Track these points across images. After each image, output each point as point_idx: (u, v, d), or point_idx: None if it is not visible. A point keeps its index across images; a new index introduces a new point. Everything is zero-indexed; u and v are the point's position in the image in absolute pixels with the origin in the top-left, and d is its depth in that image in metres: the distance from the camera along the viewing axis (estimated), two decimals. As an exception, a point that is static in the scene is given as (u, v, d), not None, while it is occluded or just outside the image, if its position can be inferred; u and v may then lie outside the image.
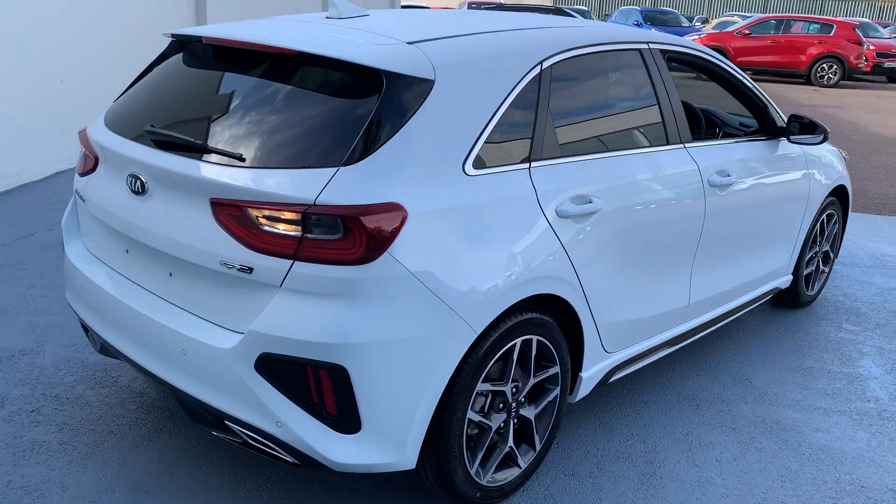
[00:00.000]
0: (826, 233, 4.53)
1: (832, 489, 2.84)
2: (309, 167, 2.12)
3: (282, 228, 2.09)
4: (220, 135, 2.30)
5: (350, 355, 2.07)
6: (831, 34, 18.74)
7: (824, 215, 4.37)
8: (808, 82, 18.87)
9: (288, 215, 2.08)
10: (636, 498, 2.71)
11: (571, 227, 2.57)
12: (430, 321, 2.17)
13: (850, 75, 18.83)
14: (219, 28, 2.66)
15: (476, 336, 2.28)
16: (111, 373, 3.33)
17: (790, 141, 3.77)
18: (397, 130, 2.19)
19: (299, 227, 2.07)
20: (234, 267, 2.14)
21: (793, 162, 3.90)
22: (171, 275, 2.37)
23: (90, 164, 2.68)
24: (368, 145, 2.14)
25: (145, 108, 2.58)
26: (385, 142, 2.16)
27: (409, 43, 2.39)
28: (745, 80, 3.72)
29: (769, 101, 3.81)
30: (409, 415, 2.21)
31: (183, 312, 2.33)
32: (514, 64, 2.55)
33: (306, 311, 2.08)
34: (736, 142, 3.58)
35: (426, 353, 2.18)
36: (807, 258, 4.36)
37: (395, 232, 2.10)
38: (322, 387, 2.11)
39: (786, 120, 3.85)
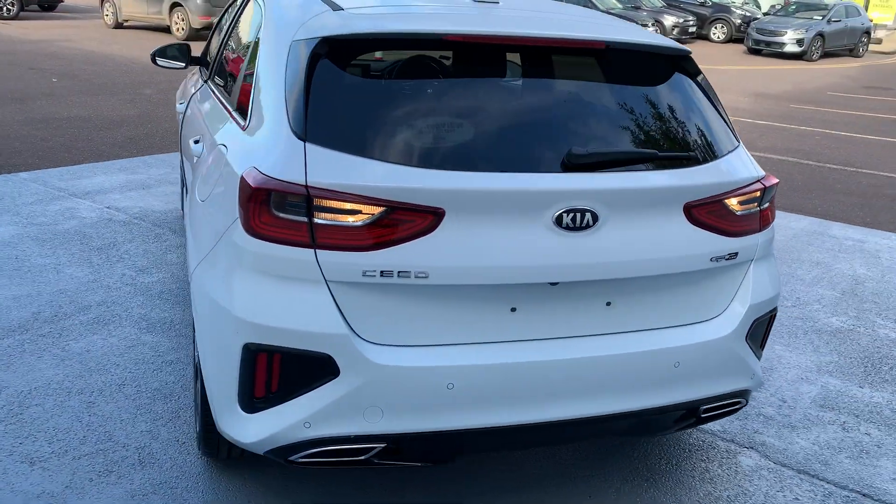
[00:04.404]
0: None
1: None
2: (728, 153, 2.37)
3: (750, 208, 2.36)
4: (649, 141, 2.30)
5: (778, 298, 2.56)
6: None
7: None
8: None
9: (755, 194, 2.35)
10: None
11: None
12: None
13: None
14: (479, 26, 2.31)
15: None
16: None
17: None
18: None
19: (757, 204, 2.37)
20: (722, 258, 2.30)
21: None
22: (608, 304, 2.24)
23: (416, 223, 2.03)
24: (731, 125, 2.51)
25: (503, 131, 2.18)
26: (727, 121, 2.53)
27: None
28: None
29: None
30: None
31: (646, 333, 2.30)
32: None
33: (767, 272, 2.48)
34: None
35: None
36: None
37: None
38: (768, 330, 2.56)
39: None
